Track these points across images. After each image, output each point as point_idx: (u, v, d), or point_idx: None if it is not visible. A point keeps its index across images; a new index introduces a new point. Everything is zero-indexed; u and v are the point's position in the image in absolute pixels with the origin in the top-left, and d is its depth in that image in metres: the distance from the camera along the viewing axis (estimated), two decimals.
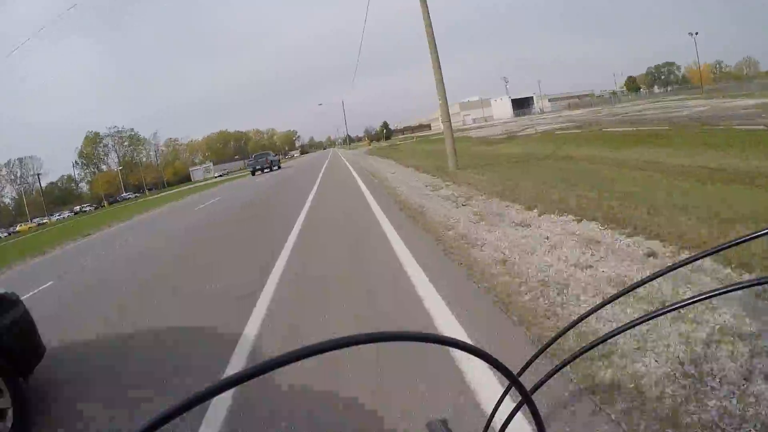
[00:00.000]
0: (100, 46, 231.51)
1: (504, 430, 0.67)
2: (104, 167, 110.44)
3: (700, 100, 43.59)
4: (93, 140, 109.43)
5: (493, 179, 9.32)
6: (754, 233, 0.53)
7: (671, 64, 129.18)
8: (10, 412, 3.13)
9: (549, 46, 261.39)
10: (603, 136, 19.78)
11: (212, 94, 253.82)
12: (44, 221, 73.75)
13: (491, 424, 0.73)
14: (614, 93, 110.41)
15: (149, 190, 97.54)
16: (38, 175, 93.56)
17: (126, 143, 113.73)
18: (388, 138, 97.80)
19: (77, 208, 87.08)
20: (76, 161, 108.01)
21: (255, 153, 48.42)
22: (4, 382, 3.18)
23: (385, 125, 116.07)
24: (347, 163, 26.64)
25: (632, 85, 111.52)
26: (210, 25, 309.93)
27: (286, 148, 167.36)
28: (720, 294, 0.53)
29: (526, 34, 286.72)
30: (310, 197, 11.56)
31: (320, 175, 21.08)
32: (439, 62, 11.71)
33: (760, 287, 2.12)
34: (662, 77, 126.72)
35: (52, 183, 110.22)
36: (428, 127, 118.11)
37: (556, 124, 36.93)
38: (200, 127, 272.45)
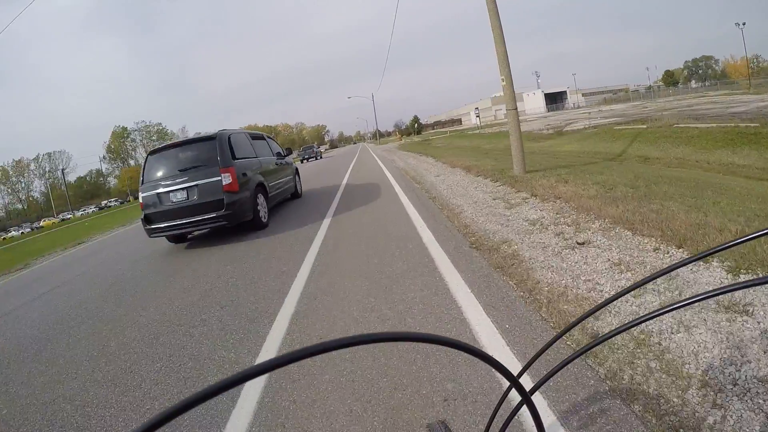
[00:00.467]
0: (128, 41, 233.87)
1: (504, 430, 0.68)
2: (132, 162, 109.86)
3: (751, 95, 39.95)
4: (120, 135, 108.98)
5: (586, 190, 6.47)
6: (754, 233, 0.53)
7: (709, 57, 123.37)
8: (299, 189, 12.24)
9: (579, 41, 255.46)
10: (677, 134, 16.71)
11: (242, 89, 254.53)
12: (68, 216, 73.38)
13: (492, 424, 0.74)
14: (650, 87, 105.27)
15: None
16: (63, 170, 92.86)
17: (154, 137, 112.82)
18: (418, 132, 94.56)
19: (104, 202, 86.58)
20: (103, 156, 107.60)
21: (304, 146, 58.68)
22: (300, 179, 12.46)
23: (416, 119, 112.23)
24: (378, 161, 23.46)
25: (670, 79, 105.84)
26: (241, 18, 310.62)
27: (315, 143, 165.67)
28: (720, 294, 0.53)
29: (557, 29, 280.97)
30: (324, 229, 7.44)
31: (347, 175, 18.33)
32: (502, 33, 8.87)
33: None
34: (699, 71, 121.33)
35: (81, 177, 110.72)
36: (459, 121, 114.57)
37: (604, 118, 33.99)
38: (229, 122, 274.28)
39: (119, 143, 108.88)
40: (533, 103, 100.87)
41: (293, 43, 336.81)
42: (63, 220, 68.01)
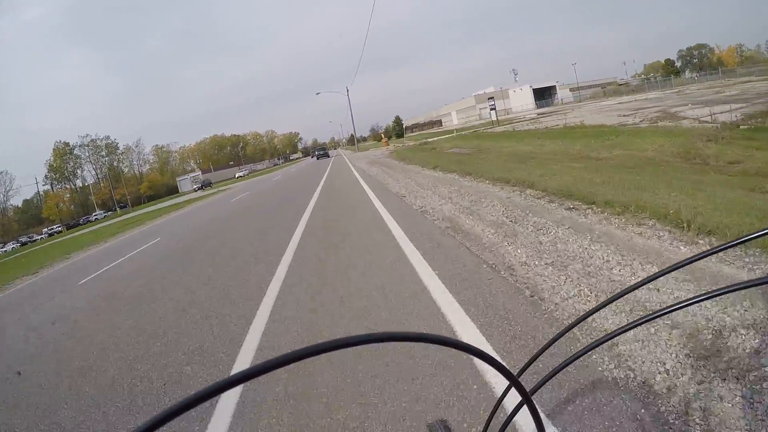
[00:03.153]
0: (86, 52, 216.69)
1: (504, 430, 0.67)
2: (78, 182, 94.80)
3: None
4: (63, 152, 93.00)
5: None
6: (754, 233, 0.53)
7: (703, 45, 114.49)
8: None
9: (556, 36, 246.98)
10: None
11: (207, 99, 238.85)
12: None
13: (491, 424, 0.73)
14: (646, 79, 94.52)
15: (121, 207, 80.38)
16: None
17: (103, 153, 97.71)
18: (400, 135, 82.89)
19: (46, 228, 71.59)
20: (45, 176, 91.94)
21: (316, 147, 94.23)
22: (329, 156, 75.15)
23: (398, 120, 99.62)
24: (387, 218, 8.26)
25: (671, 68, 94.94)
26: (204, 27, 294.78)
27: (288, 152, 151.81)
28: (721, 294, 0.52)
29: (535, 26, 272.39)
30: None
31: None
32: None
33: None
34: (694, 61, 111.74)
35: (27, 200, 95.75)
36: (439, 123, 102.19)
37: (691, 107, 21.56)
38: (194, 135, 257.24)
39: (61, 161, 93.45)
40: (520, 100, 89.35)
41: (263, 51, 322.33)
42: None
